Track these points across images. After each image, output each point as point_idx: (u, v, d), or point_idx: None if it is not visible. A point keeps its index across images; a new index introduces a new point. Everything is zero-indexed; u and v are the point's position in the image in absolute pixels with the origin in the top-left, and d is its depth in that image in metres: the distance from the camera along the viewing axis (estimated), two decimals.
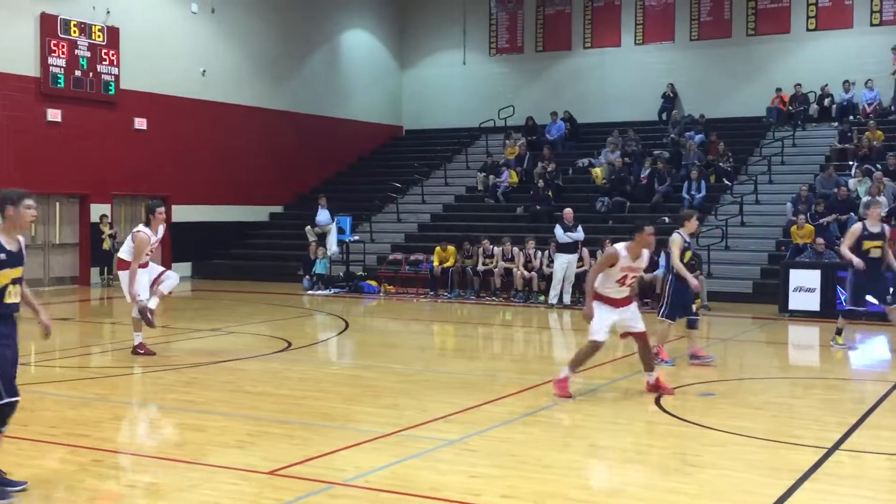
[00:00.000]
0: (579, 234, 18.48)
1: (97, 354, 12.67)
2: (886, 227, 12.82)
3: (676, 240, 11.40)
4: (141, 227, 11.57)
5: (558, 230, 18.57)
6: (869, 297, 12.64)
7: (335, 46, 29.38)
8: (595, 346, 9.35)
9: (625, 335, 9.59)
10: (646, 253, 9.48)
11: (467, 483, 6.43)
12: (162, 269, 12.17)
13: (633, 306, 9.50)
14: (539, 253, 19.20)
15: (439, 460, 7.04)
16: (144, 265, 11.78)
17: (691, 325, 11.68)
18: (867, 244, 12.31)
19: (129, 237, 11.69)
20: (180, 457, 7.02)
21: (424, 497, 6.12)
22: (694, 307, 11.91)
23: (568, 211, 18.84)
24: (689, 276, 11.29)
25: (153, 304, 11.82)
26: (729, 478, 6.70)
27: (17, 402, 6.20)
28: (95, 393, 9.54)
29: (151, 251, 11.78)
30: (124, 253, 11.73)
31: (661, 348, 11.29)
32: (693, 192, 21.86)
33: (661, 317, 11.52)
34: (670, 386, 9.61)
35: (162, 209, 11.77)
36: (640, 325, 9.46)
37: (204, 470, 6.70)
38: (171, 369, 11.08)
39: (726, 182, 22.90)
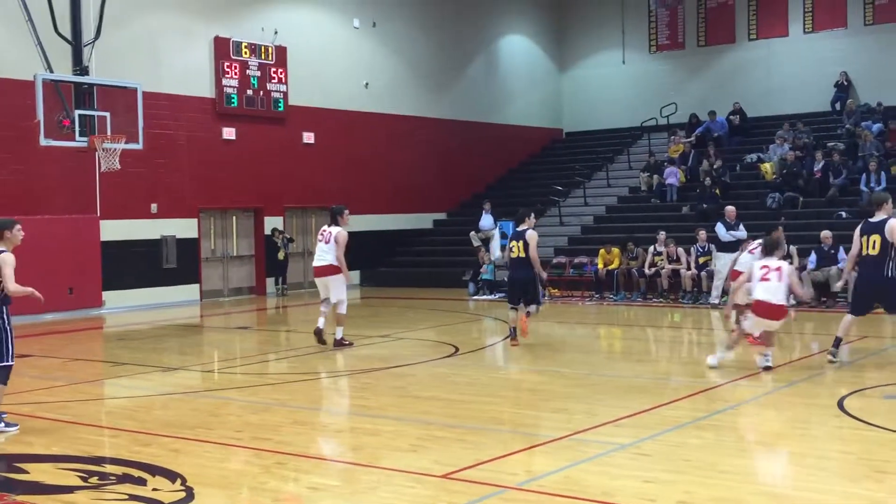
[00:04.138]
0: (741, 233, 17.89)
1: (275, 361, 13.19)
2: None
3: None
4: (337, 227, 13.16)
5: (720, 229, 18.11)
6: None
7: (493, 53, 29.55)
8: None
9: None
10: None
11: (641, 488, 6.32)
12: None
13: None
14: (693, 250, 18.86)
15: (612, 465, 6.96)
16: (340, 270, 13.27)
17: None
18: None
19: (332, 241, 13.11)
20: (357, 460, 7.22)
21: (598, 502, 6.05)
22: None
23: (730, 209, 18.36)
24: None
25: (321, 322, 13.28)
26: None
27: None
28: (275, 398, 9.93)
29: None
30: (332, 259, 13.12)
31: None
32: (872, 185, 20.74)
33: None
34: None
35: (347, 211, 13.32)
36: None
37: (380, 473, 6.86)
38: (345, 375, 11.41)
39: None
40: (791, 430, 8.13)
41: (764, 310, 10.55)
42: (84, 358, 13.45)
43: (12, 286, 8.52)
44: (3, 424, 8.46)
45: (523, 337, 13.18)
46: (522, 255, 13.04)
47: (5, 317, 8.58)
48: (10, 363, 8.53)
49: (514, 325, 13.24)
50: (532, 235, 13.04)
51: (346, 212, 13.33)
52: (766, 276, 10.60)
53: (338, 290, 13.22)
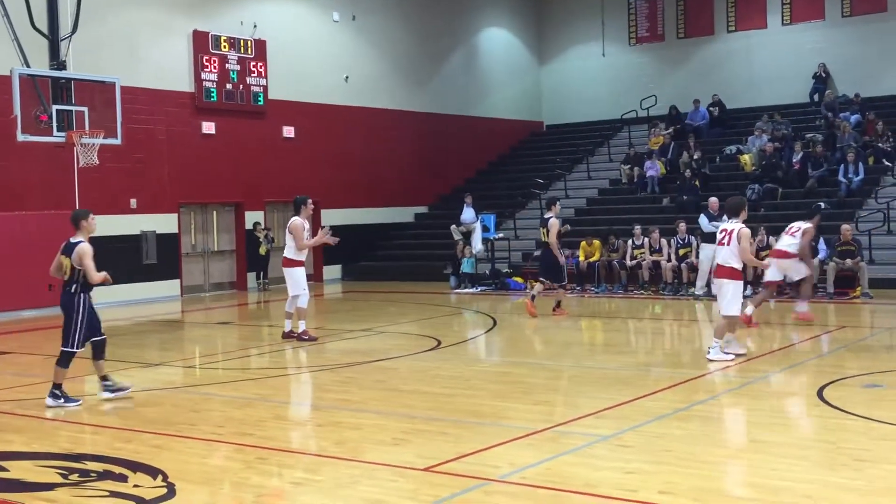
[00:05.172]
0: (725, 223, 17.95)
1: (257, 356, 13.15)
2: None
3: None
4: (296, 217, 13.30)
5: (703, 220, 18.17)
6: None
7: (473, 46, 29.53)
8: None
9: None
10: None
11: (623, 479, 6.35)
12: (305, 287, 13.42)
13: None
14: (673, 242, 18.94)
15: (593, 456, 6.98)
16: (303, 264, 13.33)
17: None
18: None
19: (287, 236, 13.37)
20: (340, 454, 7.21)
21: (580, 493, 6.07)
22: None
23: (713, 200, 18.43)
24: None
25: (287, 325, 13.52)
26: None
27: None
28: (257, 393, 9.90)
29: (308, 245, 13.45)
30: (289, 252, 13.31)
31: None
32: (850, 175, 20.90)
33: None
34: None
35: (310, 200, 13.48)
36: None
37: (363, 467, 6.86)
38: (327, 369, 11.40)
39: (886, 163, 21.78)
40: (771, 419, 8.18)
41: (716, 271, 11.00)
42: None
43: (94, 276, 9.17)
44: (62, 400, 9.20)
45: (531, 316, 15.52)
46: (545, 239, 15.56)
47: (84, 305, 9.22)
48: (74, 349, 9.22)
49: (557, 299, 15.90)
50: (553, 223, 15.32)
51: (309, 201, 13.45)
52: (723, 240, 10.92)
53: (293, 283, 13.27)
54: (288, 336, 13.43)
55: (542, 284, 15.97)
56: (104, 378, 9.51)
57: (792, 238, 13.77)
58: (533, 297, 15.86)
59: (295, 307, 13.33)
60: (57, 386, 9.29)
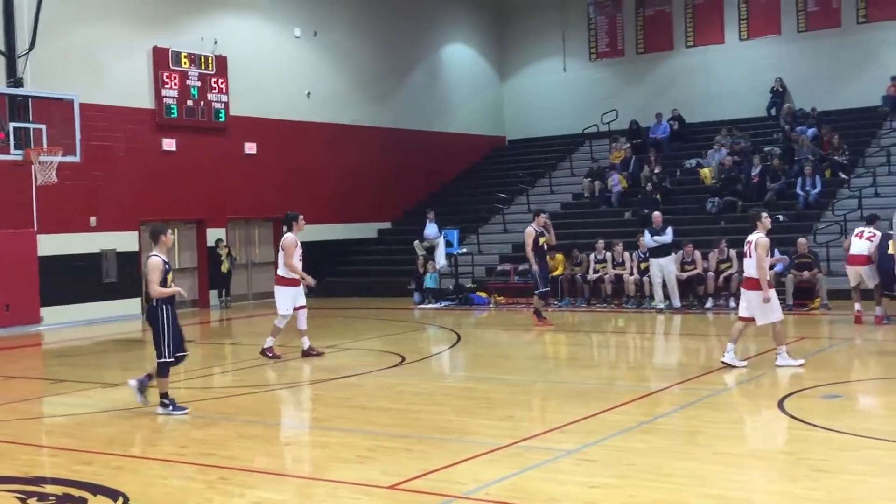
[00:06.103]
0: (666, 237, 18.15)
1: (220, 375, 13.04)
2: None
3: None
4: (287, 233, 13.09)
5: (646, 235, 18.35)
6: None
7: (435, 61, 29.62)
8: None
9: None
10: None
11: (587, 493, 6.37)
12: (304, 302, 13.31)
13: None
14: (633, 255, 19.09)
15: (558, 471, 7.00)
16: (295, 283, 13.08)
17: None
18: None
19: (280, 253, 13.16)
20: (304, 473, 7.17)
21: None
22: None
23: (656, 214, 18.60)
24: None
25: (306, 344, 13.22)
26: (862, 483, 6.46)
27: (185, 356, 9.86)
28: (220, 412, 9.82)
29: (300, 259, 13.18)
30: (281, 269, 13.14)
31: None
32: (808, 188, 21.20)
33: None
34: None
35: (301, 216, 13.34)
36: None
37: (327, 485, 6.82)
38: (291, 387, 11.32)
39: (843, 176, 22.13)
40: (733, 431, 8.25)
41: (745, 283, 11.35)
42: (22, 376, 13.16)
43: (155, 290, 9.31)
44: (171, 408, 9.46)
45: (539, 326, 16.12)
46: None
47: (167, 316, 9.41)
48: (167, 359, 9.46)
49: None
50: (527, 233, 16.26)
51: (301, 217, 13.34)
52: (747, 252, 11.25)
53: (277, 301, 13.18)
54: (307, 353, 13.21)
55: (536, 296, 16.45)
56: (164, 395, 9.57)
57: (868, 242, 14.55)
58: (536, 312, 16.39)
59: (275, 323, 13.21)
60: (164, 395, 9.54)
